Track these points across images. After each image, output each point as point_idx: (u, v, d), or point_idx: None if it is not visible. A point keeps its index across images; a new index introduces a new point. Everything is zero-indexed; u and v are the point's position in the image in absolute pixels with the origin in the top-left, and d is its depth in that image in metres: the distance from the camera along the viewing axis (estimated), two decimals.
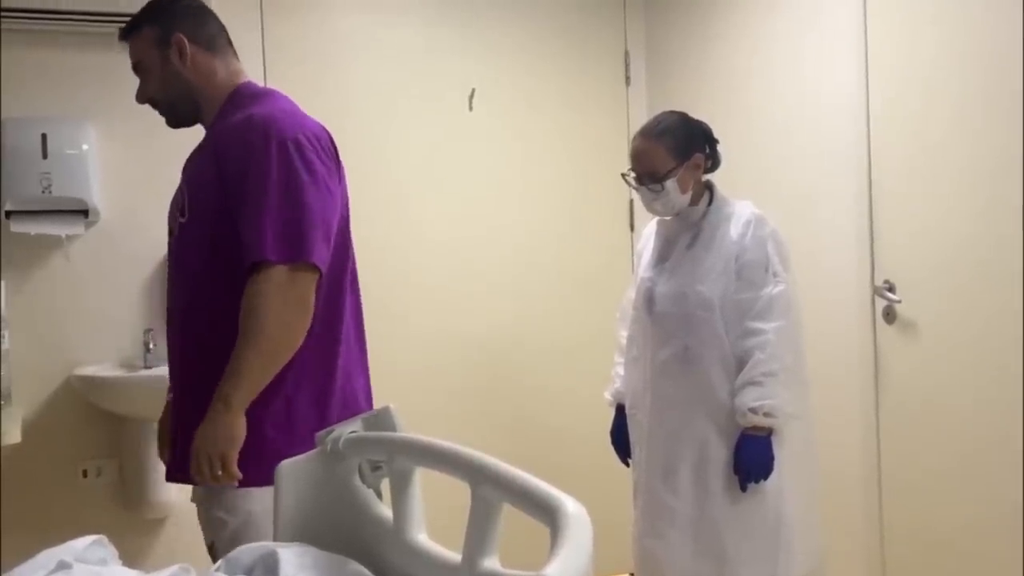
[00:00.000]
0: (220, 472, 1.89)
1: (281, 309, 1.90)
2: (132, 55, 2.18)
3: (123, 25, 2.18)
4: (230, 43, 2.21)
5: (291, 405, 1.99)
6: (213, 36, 2.17)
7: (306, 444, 1.58)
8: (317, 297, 1.99)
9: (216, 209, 2.00)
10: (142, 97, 2.19)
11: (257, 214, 1.92)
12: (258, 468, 1.89)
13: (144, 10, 2.17)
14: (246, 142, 1.97)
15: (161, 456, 2.28)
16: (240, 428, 1.90)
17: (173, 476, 2.10)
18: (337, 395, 2.06)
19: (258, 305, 1.89)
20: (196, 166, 2.12)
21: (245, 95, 2.14)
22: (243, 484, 1.92)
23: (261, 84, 2.21)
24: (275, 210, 1.92)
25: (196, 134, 2.21)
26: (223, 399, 1.89)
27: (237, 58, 2.22)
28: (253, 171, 1.94)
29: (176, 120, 2.21)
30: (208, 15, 2.20)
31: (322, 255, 1.96)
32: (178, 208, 2.11)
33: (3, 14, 3.18)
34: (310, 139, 2.00)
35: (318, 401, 2.03)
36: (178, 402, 2.12)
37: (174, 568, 1.23)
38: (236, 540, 1.82)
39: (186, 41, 2.11)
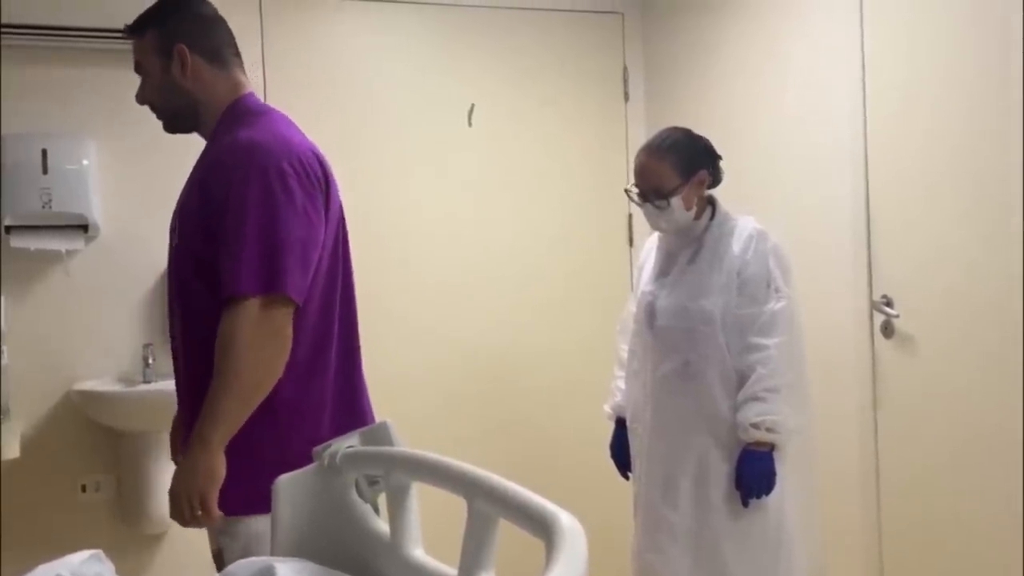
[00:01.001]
0: (199, 512, 1.85)
1: (256, 344, 1.85)
2: (135, 53, 2.11)
3: (131, 22, 2.11)
4: (237, 54, 2.14)
5: (286, 432, 1.95)
6: (218, 47, 2.09)
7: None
8: (307, 325, 1.96)
9: (200, 231, 1.96)
10: (141, 99, 2.13)
11: (233, 245, 1.88)
12: (255, 495, 1.82)
13: (153, 10, 2.10)
14: (229, 167, 1.93)
15: (173, 457, 2.25)
16: (220, 467, 1.86)
17: None
18: (331, 419, 2.01)
19: (232, 341, 1.85)
20: (187, 189, 2.08)
21: (242, 111, 2.08)
22: (242, 512, 1.89)
23: (261, 99, 2.17)
24: (252, 242, 1.87)
25: (197, 150, 2.17)
26: (200, 439, 1.85)
27: (243, 70, 2.15)
28: (233, 199, 1.90)
29: (172, 127, 2.16)
30: (216, 25, 2.12)
31: (299, 287, 1.90)
32: (171, 229, 2.10)
33: (4, 30, 3.19)
34: (294, 165, 1.94)
35: (313, 426, 1.97)
36: (185, 416, 2.10)
37: None
38: None
39: (188, 52, 2.04)
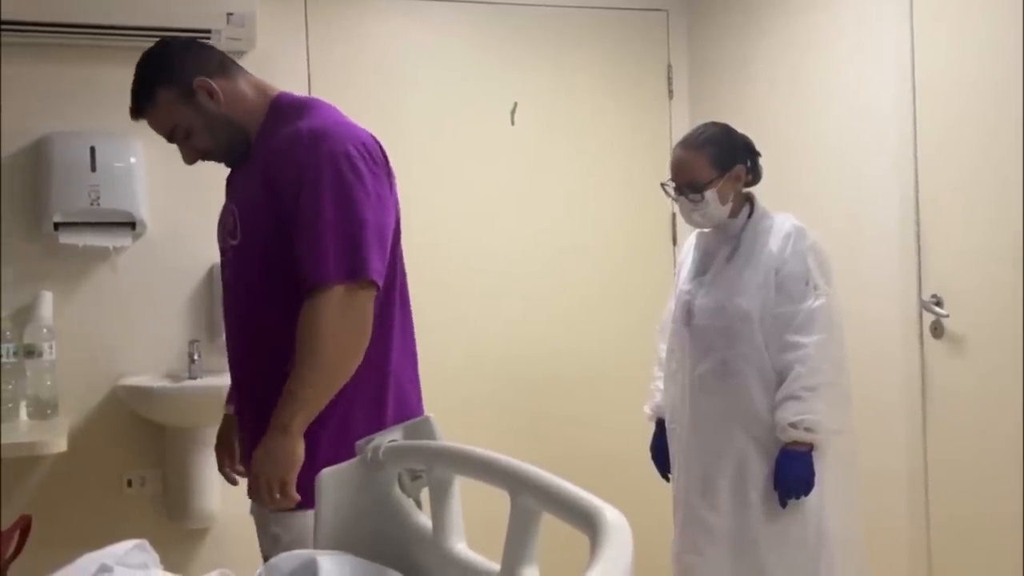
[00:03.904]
0: (279, 496, 1.88)
1: (340, 331, 1.87)
2: (159, 126, 2.09)
3: (132, 108, 2.09)
4: (234, 61, 2.13)
5: (346, 425, 1.95)
6: (220, 62, 2.08)
7: None
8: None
9: (269, 229, 1.96)
10: (192, 157, 2.11)
11: (313, 234, 1.89)
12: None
13: (144, 78, 2.06)
14: (296, 159, 1.93)
15: (220, 468, 2.29)
16: (299, 452, 1.88)
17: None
18: (391, 410, 2.02)
19: (316, 327, 1.87)
20: (245, 186, 2.06)
21: (286, 107, 2.07)
22: (300, 507, 1.90)
23: (297, 94, 2.16)
24: (331, 229, 1.88)
25: None
26: (280, 425, 1.87)
27: (247, 71, 2.13)
28: (306, 189, 1.90)
29: (234, 160, 2.12)
30: (203, 47, 2.10)
31: (379, 270, 1.92)
32: (228, 230, 2.07)
33: (51, 29, 3.23)
34: (360, 150, 1.95)
35: (372, 419, 1.97)
36: (244, 423, 2.11)
37: (215, 573, 1.24)
38: None
39: (210, 80, 2.02)
